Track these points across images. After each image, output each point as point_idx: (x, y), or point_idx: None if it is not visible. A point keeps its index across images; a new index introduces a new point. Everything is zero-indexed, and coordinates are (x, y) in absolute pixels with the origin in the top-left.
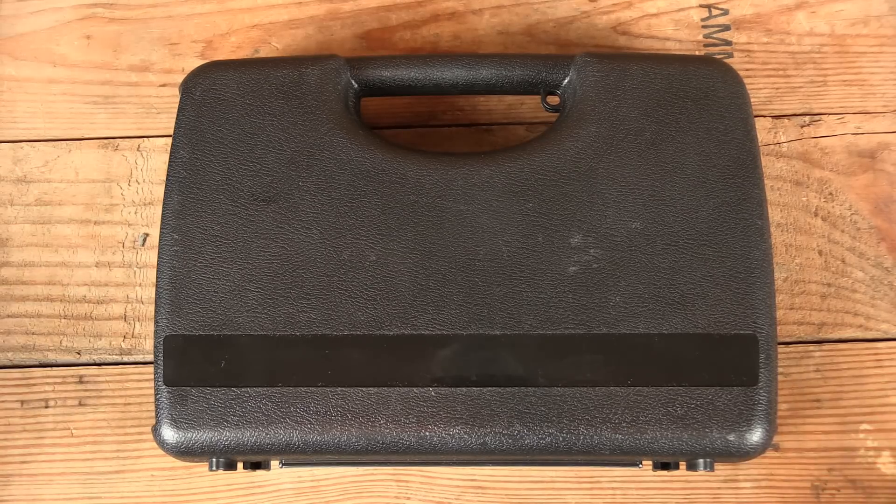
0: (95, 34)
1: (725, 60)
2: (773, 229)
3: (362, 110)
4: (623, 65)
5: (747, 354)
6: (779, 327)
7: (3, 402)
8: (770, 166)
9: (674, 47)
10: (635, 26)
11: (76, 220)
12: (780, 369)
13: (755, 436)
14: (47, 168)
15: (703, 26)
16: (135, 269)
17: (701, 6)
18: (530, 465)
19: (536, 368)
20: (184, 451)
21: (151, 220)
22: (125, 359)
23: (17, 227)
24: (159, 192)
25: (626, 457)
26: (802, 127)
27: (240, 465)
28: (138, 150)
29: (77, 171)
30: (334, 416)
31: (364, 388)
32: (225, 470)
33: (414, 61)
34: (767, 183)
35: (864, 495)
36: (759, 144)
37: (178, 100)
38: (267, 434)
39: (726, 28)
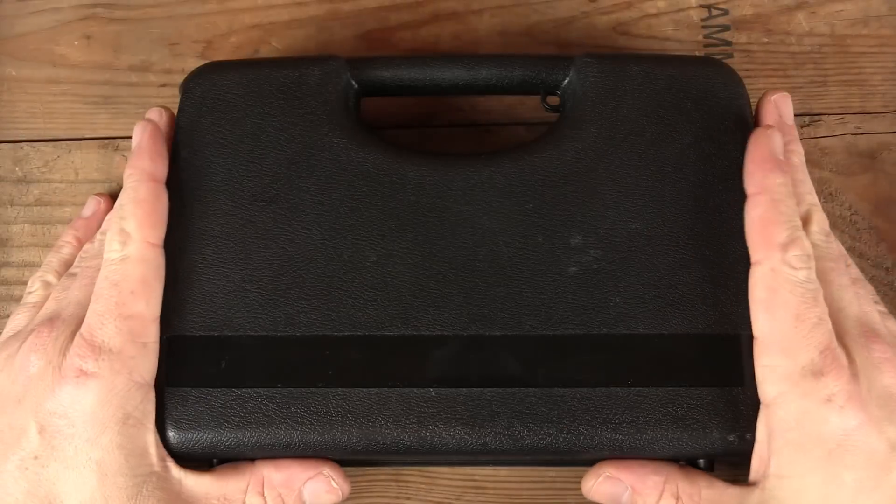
0: (95, 34)
1: (725, 61)
2: None
3: (362, 111)
4: (623, 65)
5: (747, 355)
6: None
7: None
8: None
9: (674, 48)
10: (635, 27)
11: None
12: None
13: (754, 436)
14: (47, 168)
15: (703, 27)
16: None
17: (701, 6)
18: (530, 466)
19: (537, 369)
20: (184, 452)
21: None
22: None
23: (18, 228)
24: None
25: (626, 457)
26: (802, 127)
27: None
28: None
29: (77, 171)
30: (335, 417)
31: (364, 389)
32: None
33: (414, 62)
34: None
35: None
36: None
37: (178, 100)
38: (267, 434)
39: (726, 28)
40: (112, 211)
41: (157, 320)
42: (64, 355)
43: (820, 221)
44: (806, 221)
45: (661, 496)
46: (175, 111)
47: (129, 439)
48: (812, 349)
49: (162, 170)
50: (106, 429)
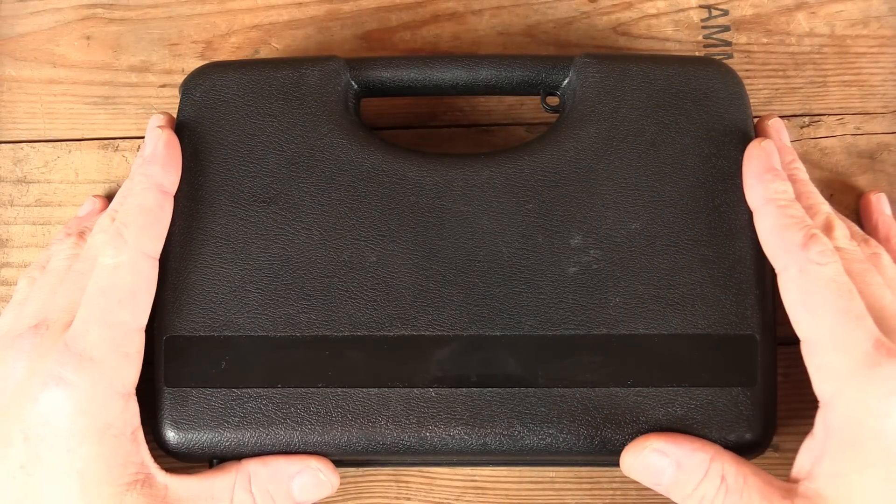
0: (95, 34)
1: (725, 61)
2: None
3: (362, 111)
4: (623, 65)
5: (747, 355)
6: (779, 327)
7: None
8: None
9: (674, 48)
10: (635, 27)
11: None
12: (780, 369)
13: (755, 436)
14: (47, 169)
15: (703, 27)
16: None
17: (701, 7)
18: (530, 466)
19: (536, 369)
20: (184, 453)
21: None
22: None
23: (18, 228)
24: None
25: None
26: (802, 128)
27: None
28: (138, 151)
29: (77, 171)
30: (335, 417)
31: (364, 389)
32: None
33: (414, 62)
34: None
35: None
36: None
37: (178, 101)
38: (267, 435)
39: (726, 29)
40: (104, 212)
41: (142, 330)
42: (46, 362)
43: (841, 227)
44: (828, 229)
45: (706, 474)
46: (175, 112)
47: (110, 449)
48: (864, 341)
49: (173, 181)
50: (85, 439)
